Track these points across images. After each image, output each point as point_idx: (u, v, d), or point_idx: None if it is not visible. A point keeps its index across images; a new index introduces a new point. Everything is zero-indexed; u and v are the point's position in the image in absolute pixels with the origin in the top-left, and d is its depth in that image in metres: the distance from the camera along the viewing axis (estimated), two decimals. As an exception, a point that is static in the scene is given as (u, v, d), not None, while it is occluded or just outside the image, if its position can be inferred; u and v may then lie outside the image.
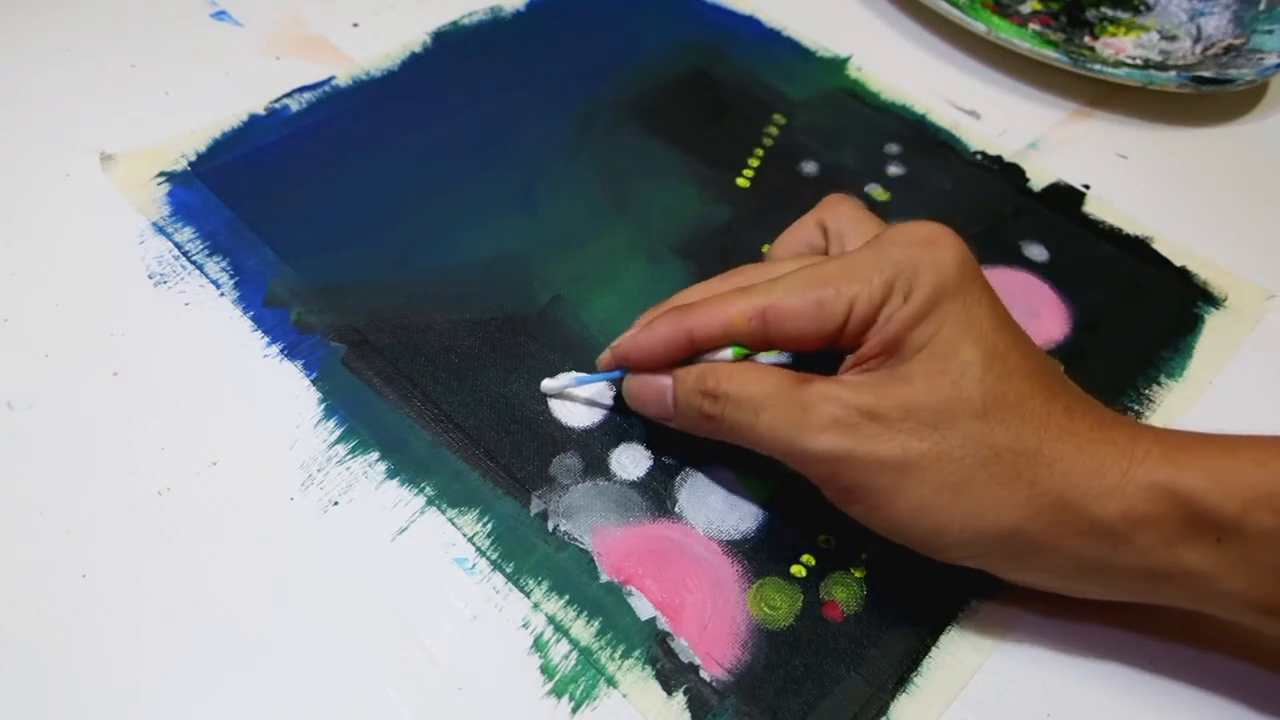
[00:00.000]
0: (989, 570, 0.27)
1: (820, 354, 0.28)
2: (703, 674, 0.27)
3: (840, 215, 0.31)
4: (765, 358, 0.33)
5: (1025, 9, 0.53)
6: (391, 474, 0.31)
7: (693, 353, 0.29)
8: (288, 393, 0.32)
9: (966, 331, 0.26)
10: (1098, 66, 0.47)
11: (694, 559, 0.30)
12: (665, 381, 0.29)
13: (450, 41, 0.46)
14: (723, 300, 0.28)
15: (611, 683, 0.27)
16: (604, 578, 0.29)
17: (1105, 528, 0.25)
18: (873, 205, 0.41)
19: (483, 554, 0.29)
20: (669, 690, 0.27)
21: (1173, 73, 0.48)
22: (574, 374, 0.33)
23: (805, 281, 0.27)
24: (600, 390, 0.33)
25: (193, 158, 0.39)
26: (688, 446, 0.32)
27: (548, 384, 0.33)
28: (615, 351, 0.30)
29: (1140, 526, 0.25)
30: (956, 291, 0.26)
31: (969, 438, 0.26)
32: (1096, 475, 0.25)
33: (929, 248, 0.27)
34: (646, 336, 0.29)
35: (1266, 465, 0.25)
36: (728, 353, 0.28)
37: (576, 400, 0.33)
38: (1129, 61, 0.50)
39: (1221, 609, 0.26)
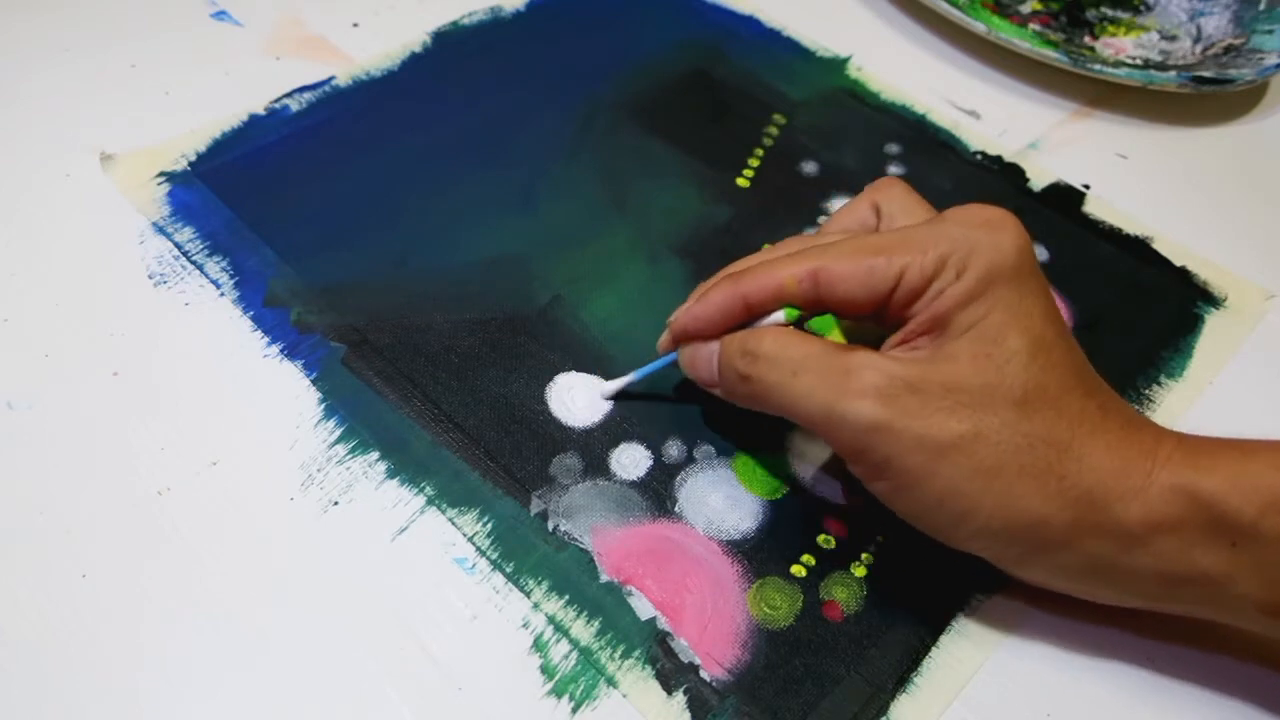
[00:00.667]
0: (999, 563, 0.27)
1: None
2: (703, 674, 0.27)
3: (893, 197, 0.30)
4: None
5: (1025, 9, 0.53)
6: (391, 474, 0.31)
7: (747, 318, 0.29)
8: (288, 393, 0.32)
9: (1017, 319, 0.26)
10: (1098, 66, 0.47)
11: (694, 559, 0.30)
12: (714, 346, 0.29)
13: (450, 41, 0.46)
14: (774, 264, 0.28)
15: (611, 683, 0.27)
16: (604, 578, 0.29)
17: (1125, 528, 0.25)
18: (873, 205, 0.41)
19: (483, 554, 0.29)
20: (669, 690, 0.27)
21: (1173, 73, 0.48)
22: (630, 375, 0.33)
23: (858, 247, 0.27)
24: (601, 387, 0.33)
25: (193, 158, 0.39)
26: (687, 447, 0.32)
27: (608, 388, 0.33)
28: (673, 327, 0.30)
29: (1159, 529, 0.25)
30: (1012, 278, 0.26)
31: (1006, 424, 0.25)
32: (1122, 475, 0.25)
33: (990, 230, 0.26)
34: (701, 306, 0.29)
35: None
36: (779, 316, 0.28)
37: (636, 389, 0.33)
38: (1129, 61, 0.50)
39: (1232, 614, 0.26)
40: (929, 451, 0.25)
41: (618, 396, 0.33)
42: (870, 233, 0.30)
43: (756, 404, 0.28)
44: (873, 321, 0.28)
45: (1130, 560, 0.26)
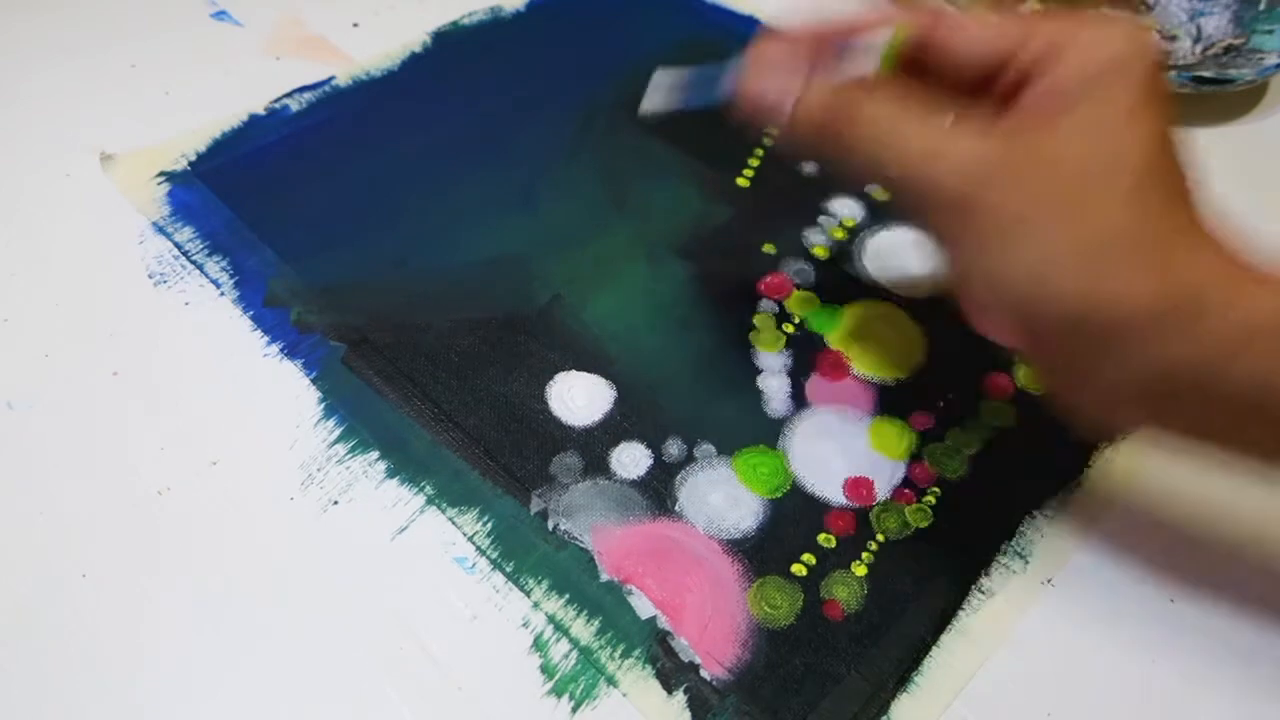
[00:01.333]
0: (1066, 363, 0.26)
1: None
2: (703, 673, 0.27)
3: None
4: (767, 356, 0.33)
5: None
6: (391, 473, 0.31)
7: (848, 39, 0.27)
8: (288, 392, 0.32)
9: (1138, 115, 0.24)
10: (1097, 66, 0.47)
11: (694, 558, 0.30)
12: (802, 50, 0.27)
13: (450, 41, 0.46)
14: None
15: (611, 682, 0.27)
16: (604, 577, 0.29)
17: (1224, 332, 0.23)
18: (873, 204, 0.41)
19: (483, 553, 0.29)
20: (669, 689, 0.27)
21: (1173, 73, 0.48)
22: (685, 76, 0.29)
23: (984, 13, 0.26)
24: (601, 389, 0.33)
25: (193, 158, 0.39)
26: (688, 446, 0.32)
27: (658, 85, 0.28)
28: (753, 50, 0.28)
29: (1264, 335, 0.23)
30: (1137, 79, 0.24)
31: (1119, 203, 0.23)
32: (1231, 274, 0.23)
33: (1126, 37, 0.24)
34: (801, 24, 0.27)
35: None
36: (880, 40, 0.26)
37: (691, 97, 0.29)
38: (1129, 61, 0.50)
39: None
40: (1024, 220, 0.24)
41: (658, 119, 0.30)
42: None
43: (838, 155, 0.27)
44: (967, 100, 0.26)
45: (1221, 370, 0.23)
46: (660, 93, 0.29)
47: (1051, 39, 0.25)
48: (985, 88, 0.26)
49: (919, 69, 0.27)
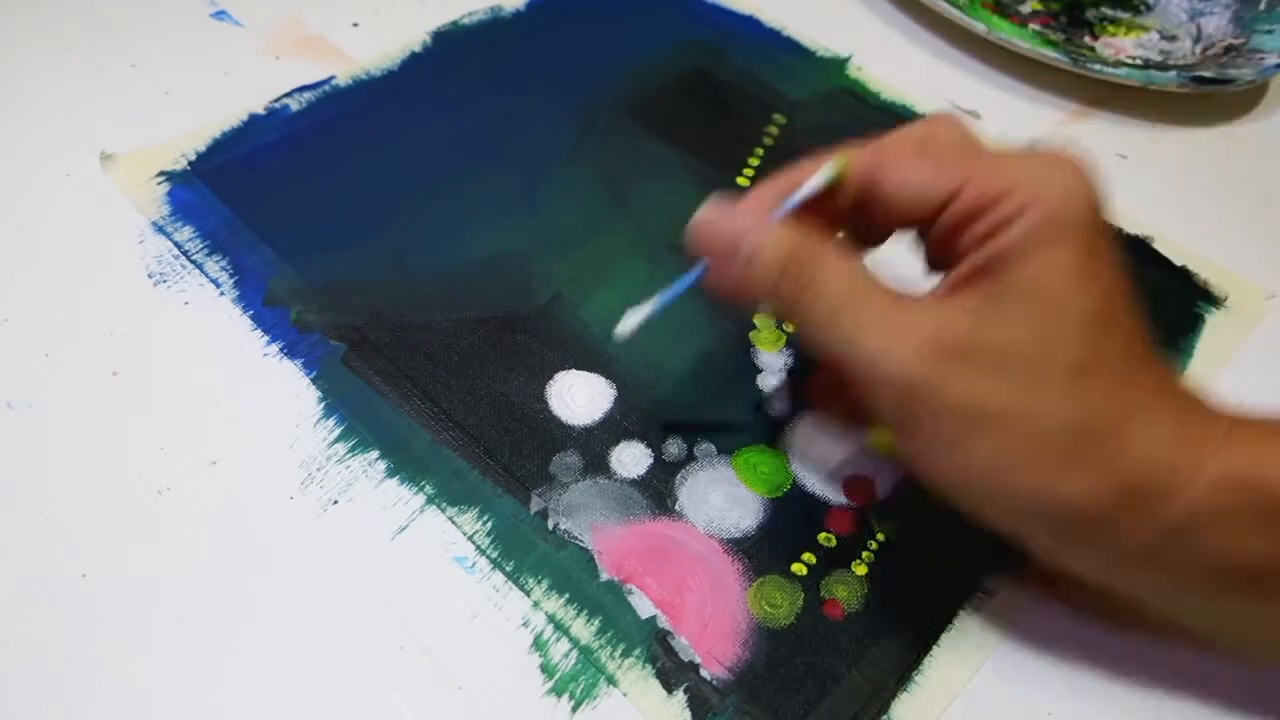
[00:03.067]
0: (1029, 545, 0.26)
1: None
2: (703, 672, 0.27)
3: (950, 127, 0.27)
4: (767, 355, 0.33)
5: (1025, 9, 0.53)
6: (391, 472, 0.31)
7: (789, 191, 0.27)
8: (287, 392, 0.32)
9: (1084, 278, 0.23)
10: (1098, 66, 0.47)
11: (694, 557, 0.30)
12: (746, 222, 0.26)
13: (450, 41, 0.46)
14: (830, 152, 0.27)
15: (612, 681, 0.27)
16: (604, 576, 0.29)
17: (1173, 516, 0.23)
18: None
19: (482, 552, 0.29)
20: (669, 689, 0.27)
21: (1173, 73, 0.48)
22: (655, 299, 0.29)
23: (924, 147, 0.26)
24: (601, 389, 0.33)
25: (193, 157, 0.39)
26: (688, 445, 0.32)
27: (629, 322, 0.29)
28: (693, 227, 0.27)
29: (1211, 517, 0.23)
30: (1081, 230, 0.24)
31: (1057, 398, 0.23)
32: (1174, 459, 0.23)
33: (1062, 173, 0.24)
34: (747, 197, 0.27)
35: None
36: (829, 169, 0.26)
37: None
38: (1129, 61, 0.50)
39: (1266, 611, 0.25)
40: (969, 419, 0.24)
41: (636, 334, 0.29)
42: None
43: (790, 319, 0.26)
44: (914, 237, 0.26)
45: (1170, 550, 0.24)
46: (633, 319, 0.29)
47: (990, 187, 0.24)
48: (927, 224, 0.26)
49: (863, 202, 0.27)
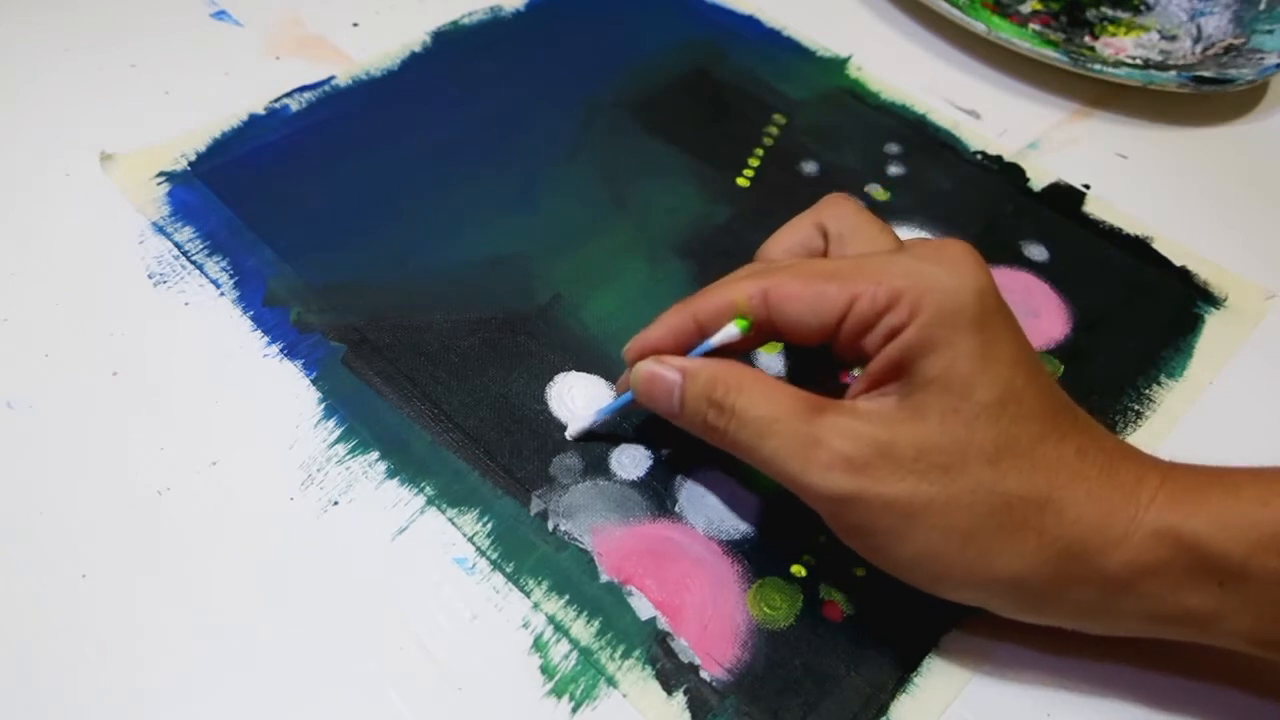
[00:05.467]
0: (989, 610, 0.27)
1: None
2: (703, 674, 0.27)
3: (842, 216, 0.29)
4: (766, 357, 0.33)
5: (1025, 9, 0.53)
6: (391, 474, 0.31)
7: (700, 338, 0.28)
8: (287, 392, 0.32)
9: (983, 368, 0.25)
10: (1098, 66, 0.47)
11: (694, 559, 0.30)
12: (674, 378, 0.28)
13: (450, 41, 0.46)
14: (726, 284, 0.28)
15: (611, 683, 0.27)
16: (604, 577, 0.29)
17: (1110, 577, 0.25)
18: (873, 205, 0.41)
19: (483, 554, 0.29)
20: (669, 690, 0.27)
21: (1173, 73, 0.48)
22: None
23: (811, 270, 0.27)
24: (601, 390, 0.33)
25: (193, 157, 0.39)
26: (688, 446, 0.32)
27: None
28: (628, 354, 0.30)
29: (1145, 575, 0.25)
30: (974, 322, 0.25)
31: (980, 484, 0.25)
32: (1103, 524, 0.25)
33: (948, 268, 0.25)
34: (654, 329, 0.29)
35: (1269, 505, 0.24)
36: (733, 329, 0.27)
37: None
38: (1129, 61, 0.50)
39: (1225, 644, 0.26)
40: (900, 516, 0.25)
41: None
42: (821, 257, 0.29)
43: (723, 448, 0.28)
44: (825, 350, 0.28)
45: (1117, 604, 0.25)
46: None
47: (879, 297, 0.25)
48: (829, 339, 0.27)
49: (767, 330, 0.28)
